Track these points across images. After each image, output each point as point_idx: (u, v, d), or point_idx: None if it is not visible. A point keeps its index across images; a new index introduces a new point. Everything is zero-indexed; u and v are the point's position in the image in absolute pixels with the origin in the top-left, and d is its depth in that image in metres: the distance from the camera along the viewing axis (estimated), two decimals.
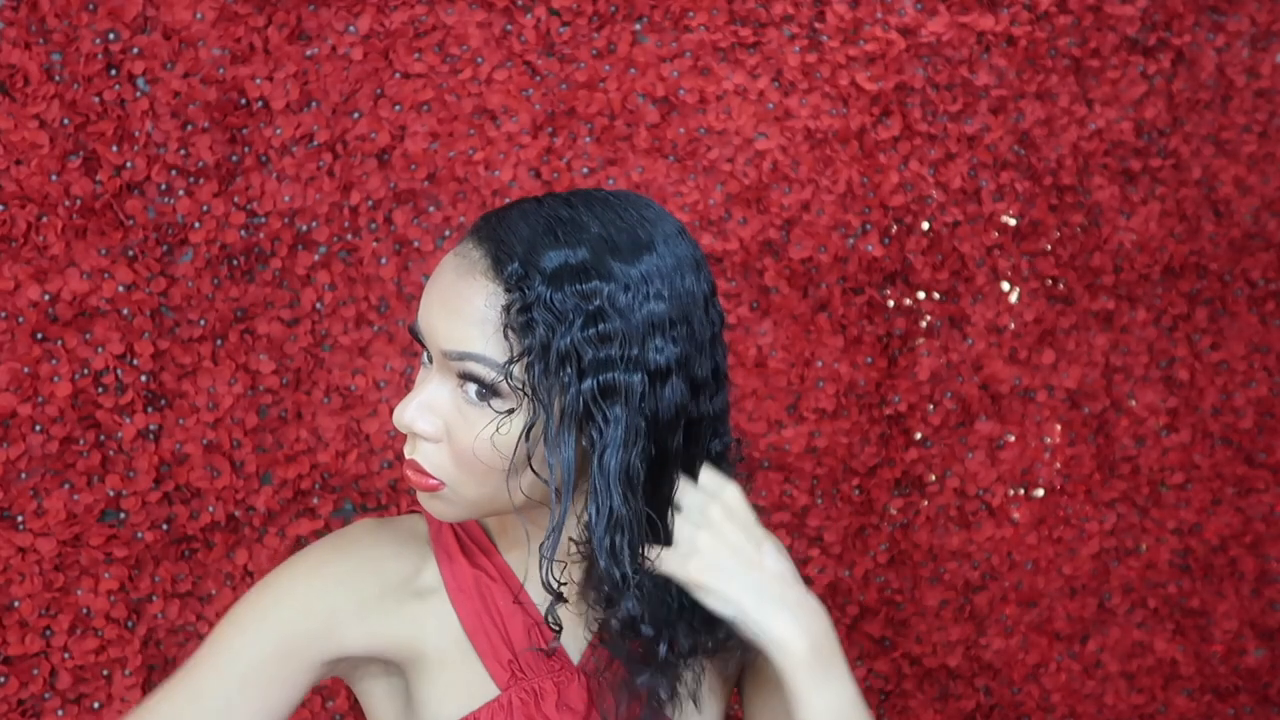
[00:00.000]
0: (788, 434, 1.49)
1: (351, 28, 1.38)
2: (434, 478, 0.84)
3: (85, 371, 1.31)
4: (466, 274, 0.82)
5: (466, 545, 0.93)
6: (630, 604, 0.85)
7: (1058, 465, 1.58)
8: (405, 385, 1.40)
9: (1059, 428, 1.58)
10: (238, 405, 1.36)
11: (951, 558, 1.54)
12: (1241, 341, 1.61)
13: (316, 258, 1.38)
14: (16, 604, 1.29)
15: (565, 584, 0.86)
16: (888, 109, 1.50)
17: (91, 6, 1.30)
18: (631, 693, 0.88)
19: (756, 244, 1.47)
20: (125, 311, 1.32)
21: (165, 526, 1.34)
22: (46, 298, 1.29)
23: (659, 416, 0.82)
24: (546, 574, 0.83)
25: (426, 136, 1.40)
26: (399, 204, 1.40)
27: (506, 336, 0.80)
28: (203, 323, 1.35)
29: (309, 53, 1.37)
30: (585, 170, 1.44)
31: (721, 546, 0.83)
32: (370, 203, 1.39)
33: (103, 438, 1.32)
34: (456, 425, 0.83)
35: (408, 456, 0.85)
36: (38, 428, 1.29)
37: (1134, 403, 1.59)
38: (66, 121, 1.29)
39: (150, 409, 1.33)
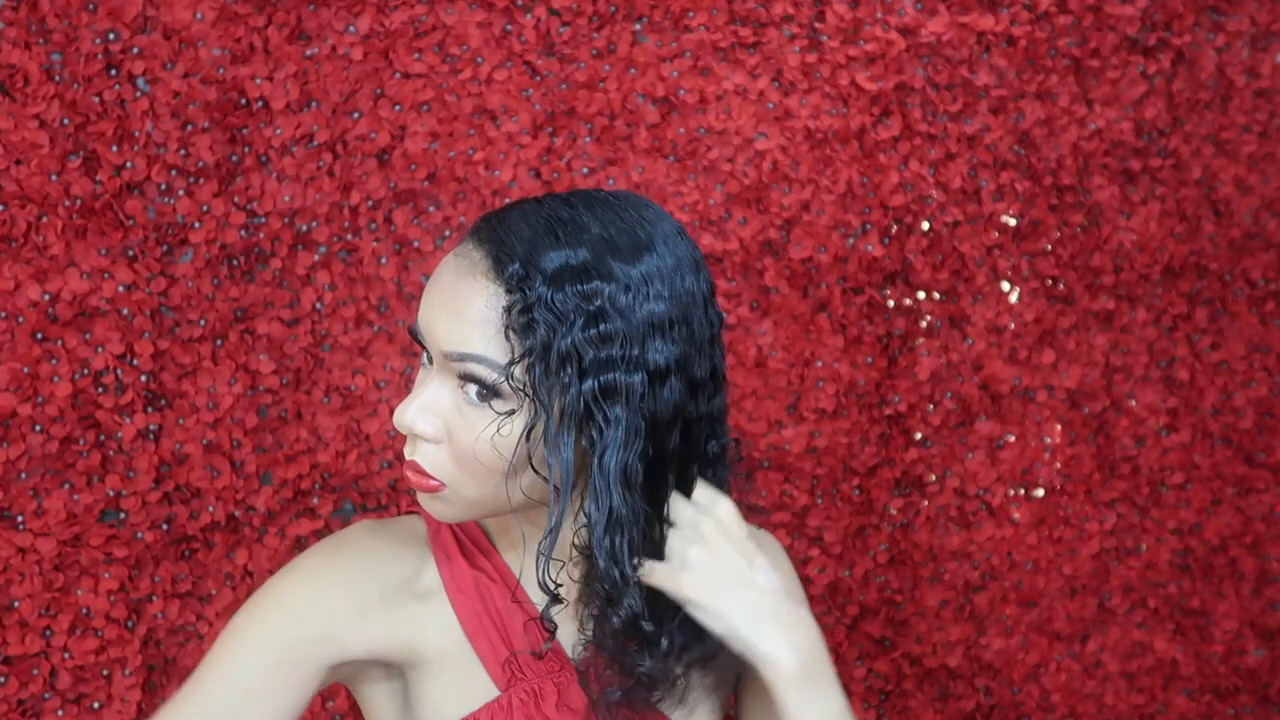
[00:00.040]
0: (788, 434, 1.49)
1: (351, 28, 1.38)
2: (434, 479, 0.84)
3: (85, 371, 1.31)
4: (467, 275, 0.82)
5: (465, 546, 0.93)
6: (632, 603, 0.85)
7: (1058, 465, 1.58)
8: (405, 385, 1.40)
9: (1059, 428, 1.58)
10: (238, 405, 1.35)
11: (951, 558, 1.54)
12: (1241, 341, 1.61)
13: (316, 258, 1.38)
14: (16, 604, 1.29)
15: (561, 585, 0.86)
16: (888, 109, 1.50)
17: (91, 6, 1.30)
18: (629, 693, 0.88)
19: (756, 244, 1.47)
20: (125, 311, 1.32)
21: (165, 526, 1.34)
22: (46, 298, 1.29)
23: (657, 417, 0.82)
24: (544, 574, 0.83)
25: (426, 136, 1.40)
26: (399, 204, 1.40)
27: (507, 337, 0.80)
28: (203, 323, 1.35)
29: (309, 53, 1.37)
30: (585, 170, 1.44)
31: (713, 562, 0.84)
32: (370, 203, 1.39)
33: (103, 438, 1.32)
34: (457, 426, 0.83)
35: (408, 457, 0.85)
36: (38, 428, 1.29)
37: (1134, 403, 1.59)
38: (66, 121, 1.29)
39: (150, 409, 1.33)
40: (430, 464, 0.84)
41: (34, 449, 1.29)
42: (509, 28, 1.42)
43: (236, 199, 1.35)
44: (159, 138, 1.32)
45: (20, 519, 1.30)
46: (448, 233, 1.41)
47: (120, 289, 1.31)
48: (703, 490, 0.87)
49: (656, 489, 0.85)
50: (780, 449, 1.49)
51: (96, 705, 1.32)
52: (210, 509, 1.35)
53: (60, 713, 1.31)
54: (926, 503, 1.54)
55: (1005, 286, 1.55)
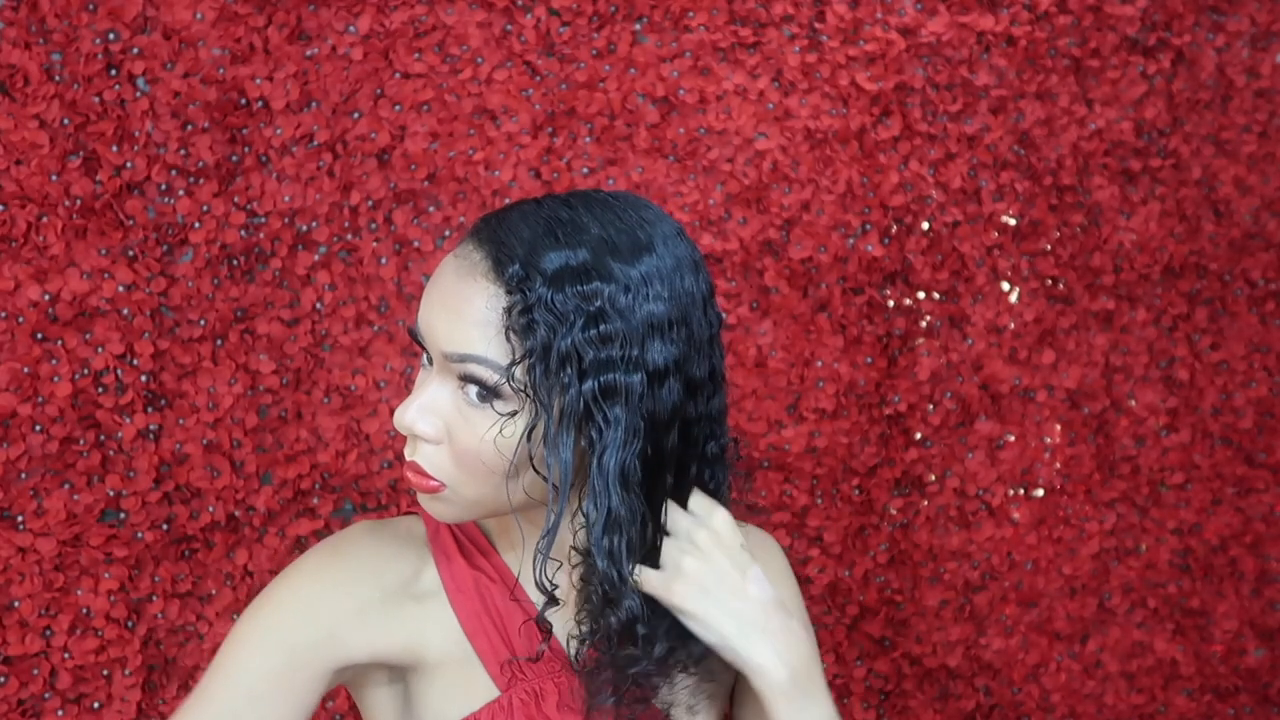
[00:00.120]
0: (788, 434, 1.49)
1: (351, 28, 1.38)
2: (434, 479, 0.84)
3: (85, 371, 1.31)
4: (467, 276, 0.82)
5: (465, 546, 0.93)
6: (631, 604, 0.85)
7: (1058, 465, 1.58)
8: (405, 385, 1.40)
9: (1059, 428, 1.58)
10: (238, 405, 1.36)
11: (951, 558, 1.54)
12: (1241, 341, 1.61)
13: (316, 258, 1.38)
14: (16, 604, 1.29)
15: (558, 586, 0.86)
16: (888, 109, 1.50)
17: (91, 6, 1.30)
18: (624, 694, 0.88)
19: (756, 244, 1.47)
20: (125, 311, 1.32)
21: (165, 526, 1.34)
22: (46, 298, 1.29)
23: (656, 417, 0.82)
24: (541, 574, 0.83)
25: (426, 136, 1.40)
26: (399, 204, 1.40)
27: (508, 338, 0.80)
28: (203, 323, 1.35)
29: (309, 53, 1.37)
30: (585, 170, 1.44)
31: (707, 572, 0.85)
32: (370, 203, 1.39)
33: (103, 438, 1.32)
34: (457, 427, 0.83)
35: (408, 458, 0.85)
36: (38, 428, 1.29)
37: (1134, 403, 1.59)
38: (66, 121, 1.29)
39: (150, 409, 1.33)
40: (430, 464, 0.84)
41: (34, 449, 1.29)
42: (509, 28, 1.42)
43: (236, 199, 1.35)
44: (159, 138, 1.32)
45: (20, 519, 1.30)
46: (448, 233, 1.41)
47: (120, 289, 1.31)
48: (699, 500, 0.88)
49: (654, 489, 0.85)
50: (780, 449, 1.49)
51: (96, 705, 1.32)
52: (210, 509, 1.35)
53: (60, 713, 1.31)
54: (926, 503, 1.54)
55: (1005, 286, 1.55)
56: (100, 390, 1.31)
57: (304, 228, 1.37)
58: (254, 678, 0.85)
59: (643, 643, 0.87)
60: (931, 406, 1.53)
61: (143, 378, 1.33)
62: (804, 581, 1.51)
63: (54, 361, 1.30)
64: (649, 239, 0.83)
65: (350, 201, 1.38)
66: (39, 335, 1.29)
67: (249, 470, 1.36)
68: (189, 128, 1.33)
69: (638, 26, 1.45)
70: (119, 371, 1.32)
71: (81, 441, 1.31)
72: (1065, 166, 1.54)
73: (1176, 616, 1.62)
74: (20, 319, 1.29)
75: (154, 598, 1.34)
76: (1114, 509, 1.59)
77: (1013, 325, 1.55)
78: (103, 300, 1.31)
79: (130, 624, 1.33)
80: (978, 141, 1.52)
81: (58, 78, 1.29)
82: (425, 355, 0.86)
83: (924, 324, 1.53)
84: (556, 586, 0.85)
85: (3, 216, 1.28)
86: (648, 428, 0.82)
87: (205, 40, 1.33)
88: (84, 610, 1.31)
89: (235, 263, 1.36)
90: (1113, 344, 1.58)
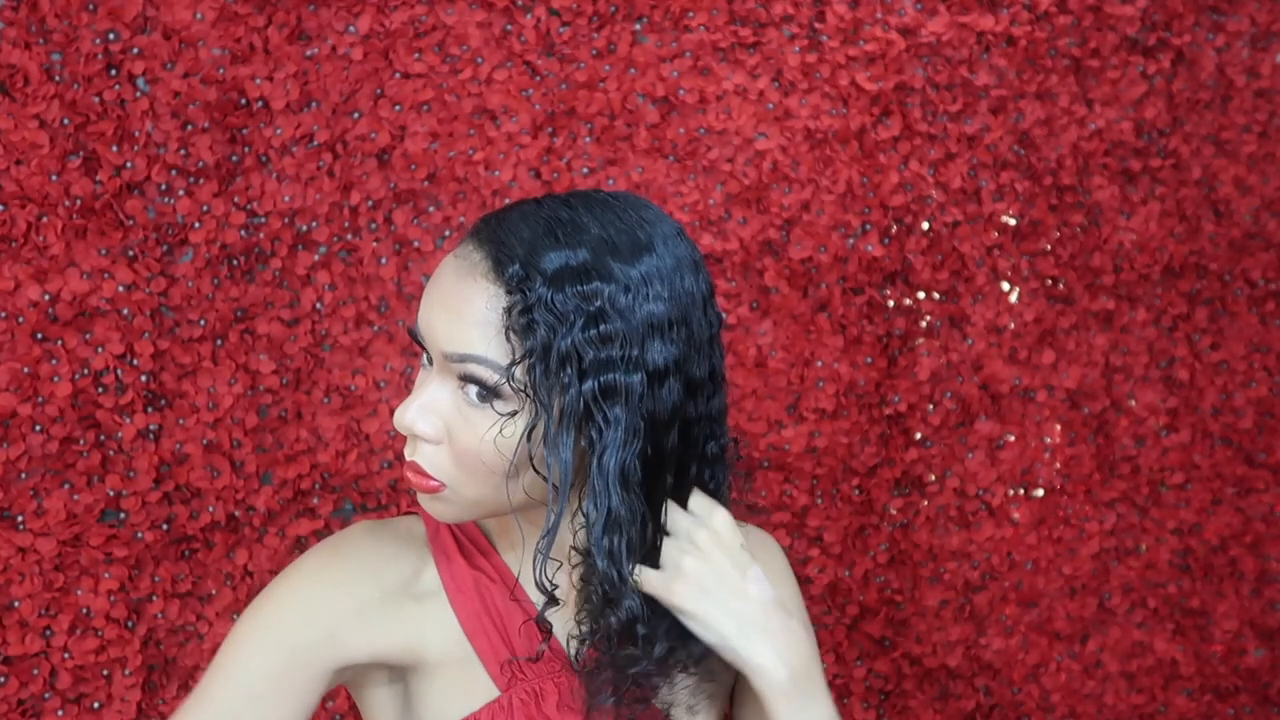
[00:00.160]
0: (788, 434, 1.49)
1: (351, 28, 1.38)
2: (435, 479, 0.84)
3: (85, 371, 1.31)
4: (467, 276, 0.82)
5: (465, 546, 0.93)
6: (631, 605, 0.85)
7: (1058, 465, 1.58)
8: (405, 385, 1.40)
9: (1059, 428, 1.58)
10: (238, 405, 1.36)
11: (951, 558, 1.54)
12: (1241, 341, 1.61)
13: (316, 258, 1.38)
14: (16, 604, 1.29)
15: (558, 586, 0.86)
16: (888, 109, 1.50)
17: (91, 6, 1.30)
18: (626, 694, 0.88)
19: (756, 244, 1.47)
20: (125, 311, 1.32)
21: (165, 526, 1.34)
22: (46, 298, 1.29)
23: (656, 417, 0.82)
24: (540, 574, 0.83)
25: (426, 136, 1.40)
26: (399, 204, 1.40)
27: (508, 338, 0.80)
28: (203, 323, 1.35)
29: (309, 53, 1.37)
30: (585, 170, 1.44)
31: (707, 573, 0.85)
32: (370, 203, 1.39)
33: (103, 438, 1.32)
34: (457, 427, 0.83)
35: (408, 458, 0.85)
36: (38, 428, 1.29)
37: (1134, 403, 1.59)
38: (66, 121, 1.29)
39: (150, 409, 1.33)
40: (430, 464, 0.84)
41: (34, 449, 1.29)
42: (509, 28, 1.42)
43: (236, 199, 1.35)
44: (159, 138, 1.32)
45: (20, 519, 1.30)
46: (448, 233, 1.41)
47: (120, 289, 1.31)
48: (699, 500, 0.88)
49: (654, 489, 0.85)
50: (780, 449, 1.49)
51: (96, 705, 1.32)
52: (210, 509, 1.35)
53: (60, 713, 1.31)
54: (926, 503, 1.54)
55: (1005, 286, 1.55)
56: (100, 390, 1.31)
57: (304, 228, 1.37)
58: (254, 678, 0.85)
59: (643, 643, 0.87)
60: (931, 406, 1.53)
61: (143, 378, 1.33)
62: (804, 581, 1.51)
63: (54, 361, 1.30)
64: (649, 239, 0.83)
65: (350, 201, 1.38)
66: (39, 335, 1.29)
67: (249, 470, 1.36)
68: (189, 128, 1.33)
69: (638, 26, 1.45)
70: (119, 371, 1.32)
71: (81, 441, 1.31)
72: (1065, 166, 1.54)
73: (1176, 616, 1.62)
74: (20, 319, 1.29)
75: (154, 598, 1.34)
76: (1114, 509, 1.59)
77: (1013, 325, 1.55)
78: (103, 300, 1.31)
79: (130, 624, 1.33)
80: (978, 141, 1.52)
81: (58, 78, 1.29)
82: (425, 355, 0.86)
83: (924, 324, 1.53)
84: (556, 586, 0.85)
85: (3, 216, 1.28)
86: (648, 428, 0.82)
87: (205, 40, 1.33)
88: (84, 610, 1.31)
89: (235, 263, 1.36)
90: (1113, 344, 1.58)
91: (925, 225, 1.52)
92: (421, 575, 0.92)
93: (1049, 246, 1.55)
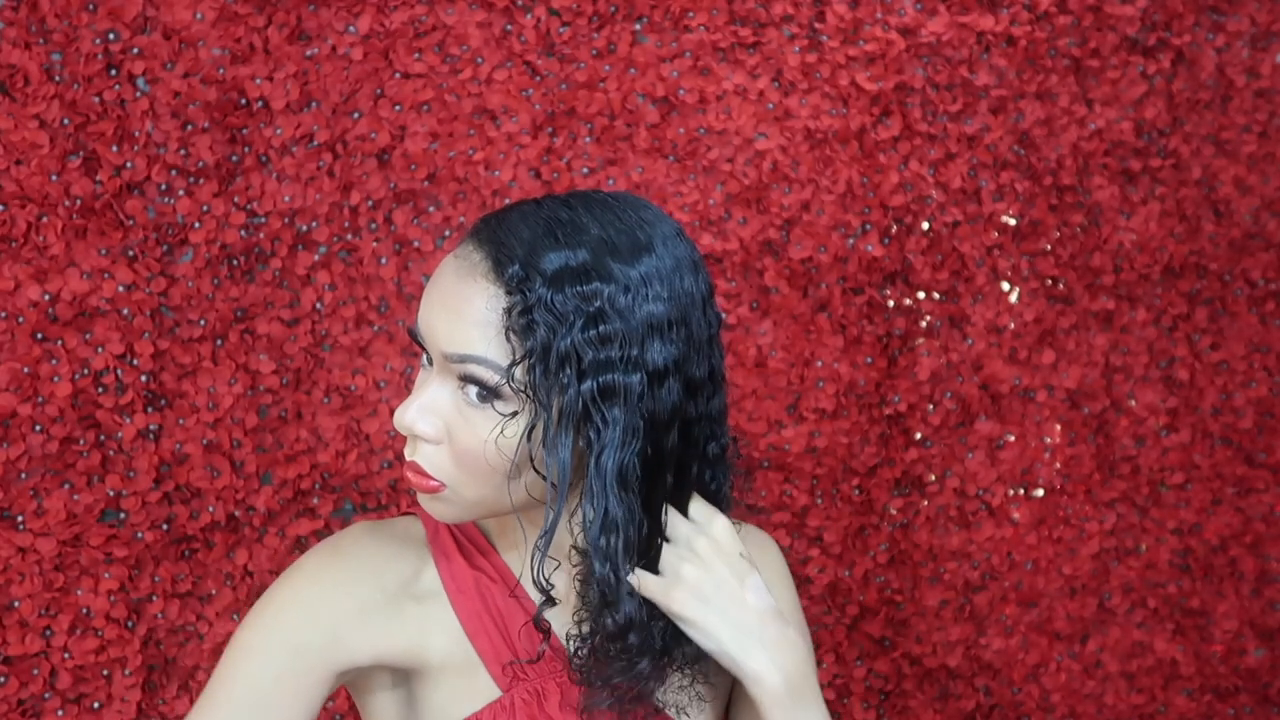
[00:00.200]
0: (788, 434, 1.49)
1: (351, 28, 1.38)
2: (435, 479, 0.84)
3: (85, 371, 1.31)
4: (467, 276, 0.82)
5: (464, 546, 0.93)
6: (629, 604, 0.85)
7: (1058, 465, 1.58)
8: (405, 385, 1.40)
9: (1059, 428, 1.58)
10: (238, 405, 1.36)
11: (951, 558, 1.54)
12: (1241, 341, 1.61)
13: (316, 258, 1.38)
14: (16, 604, 1.29)
15: (554, 586, 0.86)
16: (888, 109, 1.50)
17: (91, 6, 1.30)
18: (625, 694, 0.88)
19: (756, 244, 1.47)
20: (125, 311, 1.32)
21: (165, 526, 1.34)
22: (46, 298, 1.29)
23: (656, 417, 0.82)
24: (538, 573, 0.83)
25: (426, 136, 1.40)
26: (399, 204, 1.40)
27: (508, 339, 0.80)
28: (203, 323, 1.35)
29: (309, 53, 1.37)
30: (585, 170, 1.44)
31: (705, 580, 0.85)
32: (370, 203, 1.39)
33: (103, 438, 1.32)
34: (457, 427, 0.83)
35: (408, 458, 0.85)
36: (38, 428, 1.29)
37: (1134, 403, 1.59)
38: (66, 121, 1.29)
39: (150, 409, 1.33)
40: (430, 465, 0.84)
41: (34, 449, 1.29)
42: (509, 28, 1.42)
43: (236, 199, 1.35)
44: (159, 138, 1.32)
45: (20, 519, 1.30)
46: (448, 233, 1.41)
47: (120, 289, 1.31)
48: (699, 507, 0.88)
49: (655, 490, 0.85)
50: (780, 449, 1.49)
51: (96, 705, 1.32)
52: (210, 509, 1.35)
53: (60, 713, 1.31)
54: (926, 503, 1.54)
55: (1005, 286, 1.55)
56: (100, 390, 1.31)
57: (304, 228, 1.37)
58: (258, 683, 0.85)
59: (640, 643, 0.87)
60: (931, 406, 1.53)
61: (143, 378, 1.33)
62: (804, 581, 1.51)
63: (54, 361, 1.30)
64: (648, 239, 0.83)
65: (350, 201, 1.38)
66: (39, 335, 1.29)
67: (249, 470, 1.36)
68: (189, 128, 1.33)
69: (638, 26, 1.45)
70: (119, 371, 1.32)
71: (81, 441, 1.31)
72: (1065, 166, 1.54)
73: (1176, 616, 1.62)
74: (20, 319, 1.29)
75: (154, 598, 1.34)
76: (1114, 509, 1.59)
77: (1013, 325, 1.55)
78: (103, 300, 1.31)
79: (130, 624, 1.33)
80: (978, 141, 1.52)
81: (58, 78, 1.29)
82: (425, 355, 0.86)
83: (924, 324, 1.53)
84: (553, 586, 0.85)
85: (3, 216, 1.28)
86: (647, 427, 0.82)
87: (205, 40, 1.33)
88: (84, 610, 1.31)
89: (235, 263, 1.36)
90: (1113, 344, 1.58)
91: (925, 225, 1.52)
92: (421, 575, 0.92)
93: (1049, 246, 1.55)
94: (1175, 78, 1.57)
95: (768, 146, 1.46)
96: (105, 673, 1.33)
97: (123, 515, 1.33)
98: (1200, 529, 1.61)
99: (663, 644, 0.88)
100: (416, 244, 1.40)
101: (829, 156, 1.49)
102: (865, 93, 1.49)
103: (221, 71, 1.34)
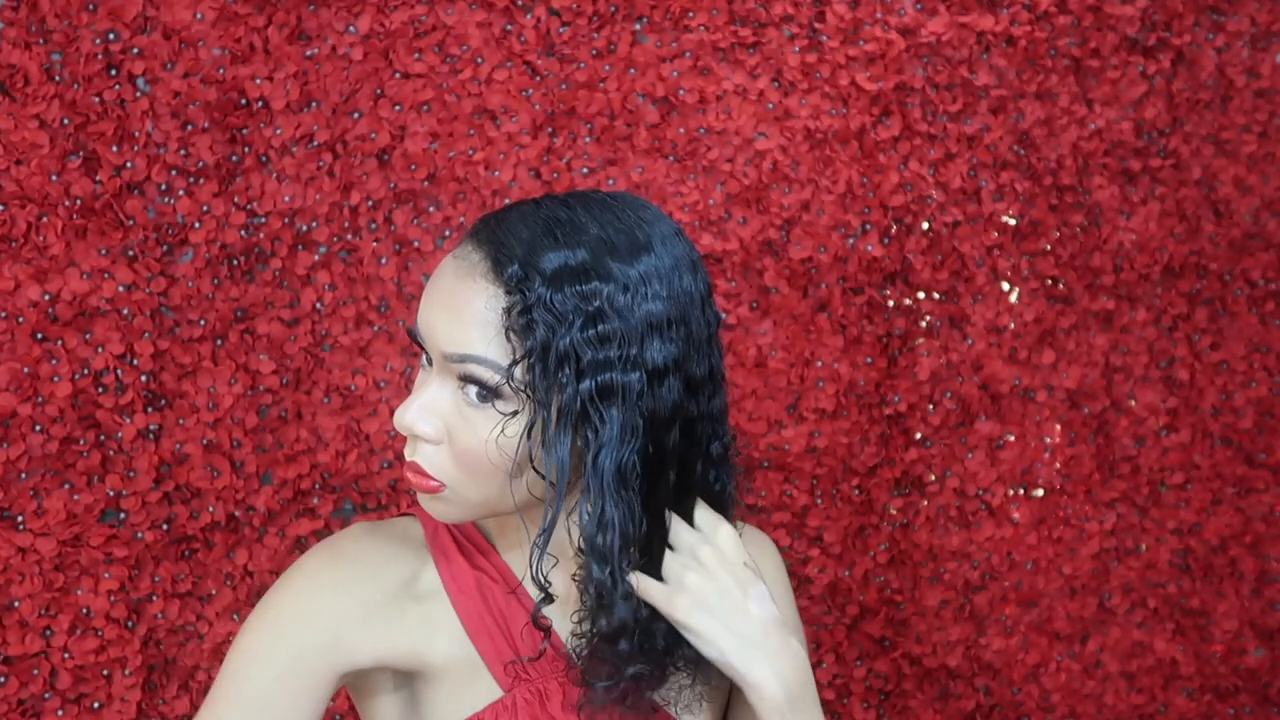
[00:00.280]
0: (788, 434, 1.49)
1: (351, 28, 1.38)
2: (435, 479, 0.84)
3: (85, 371, 1.31)
4: (466, 276, 0.82)
5: (464, 546, 0.93)
6: (625, 604, 0.85)
7: (1058, 465, 1.58)
8: (405, 385, 1.40)
9: (1059, 428, 1.58)
10: (238, 405, 1.36)
11: (951, 558, 1.54)
12: (1241, 341, 1.61)
13: (316, 258, 1.38)
14: (16, 604, 1.29)
15: (552, 584, 0.86)
16: (888, 109, 1.50)
17: (91, 6, 1.30)
18: (625, 694, 0.88)
19: (756, 244, 1.47)
20: (125, 311, 1.32)
21: (165, 526, 1.34)
22: (46, 298, 1.29)
23: (656, 415, 0.82)
24: (536, 572, 0.83)
25: (426, 136, 1.40)
26: (399, 204, 1.40)
27: (507, 338, 0.80)
28: (203, 323, 1.35)
29: (309, 53, 1.37)
30: (585, 170, 1.44)
31: (709, 589, 0.85)
32: (370, 203, 1.39)
33: (103, 438, 1.32)
34: (457, 427, 0.83)
35: (408, 458, 0.85)
36: (38, 428, 1.29)
37: (1134, 403, 1.59)
38: (66, 121, 1.29)
39: (150, 409, 1.33)
40: (431, 465, 0.84)
41: (34, 449, 1.29)
42: (509, 28, 1.42)
43: (236, 199, 1.35)
44: (159, 138, 1.32)
45: (20, 519, 1.30)
46: (448, 233, 1.41)
47: (120, 289, 1.31)
48: (704, 515, 0.88)
49: (656, 489, 0.85)
50: (780, 449, 1.49)
51: (96, 705, 1.32)
52: (210, 509, 1.35)
53: (60, 713, 1.31)
54: (926, 503, 1.54)
55: (1005, 286, 1.55)
56: (100, 390, 1.31)
57: (304, 228, 1.37)
58: (260, 686, 0.85)
59: (634, 648, 0.87)
60: (931, 406, 1.53)
61: (143, 378, 1.33)
62: (804, 581, 1.51)
63: (54, 361, 1.30)
64: (647, 239, 0.83)
65: (350, 201, 1.38)
66: (39, 335, 1.29)
67: (249, 470, 1.36)
68: (189, 128, 1.33)
69: (638, 26, 1.45)
70: (119, 371, 1.32)
71: (81, 441, 1.31)
72: (1065, 166, 1.54)
73: (1176, 616, 1.62)
74: (20, 319, 1.29)
75: (154, 598, 1.34)
76: (1114, 509, 1.59)
77: (1013, 325, 1.55)
78: (103, 300, 1.31)
79: (130, 624, 1.33)
80: (978, 141, 1.52)
81: (58, 78, 1.29)
82: (425, 355, 0.86)
83: (924, 324, 1.53)
84: (551, 585, 0.85)
85: (3, 216, 1.28)
86: (647, 426, 0.82)
87: (205, 40, 1.33)
88: (84, 610, 1.31)
89: (235, 263, 1.36)
90: (1113, 344, 1.58)
91: (925, 225, 1.52)
92: (421, 576, 0.92)
93: (1049, 246, 1.55)
94: (1175, 78, 1.57)
95: (768, 146, 1.47)
96: (105, 673, 1.33)
97: (123, 515, 1.33)
98: (1200, 529, 1.61)
99: (664, 645, 0.88)
100: (416, 244, 1.40)
101: (829, 156, 1.49)
102: (865, 93, 1.49)
103: (221, 71, 1.34)
